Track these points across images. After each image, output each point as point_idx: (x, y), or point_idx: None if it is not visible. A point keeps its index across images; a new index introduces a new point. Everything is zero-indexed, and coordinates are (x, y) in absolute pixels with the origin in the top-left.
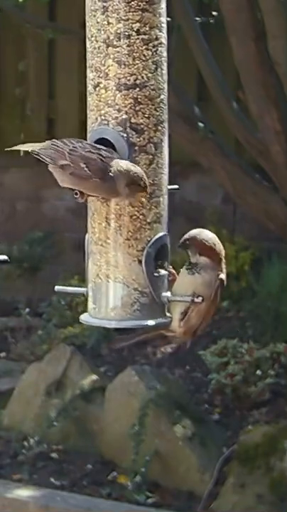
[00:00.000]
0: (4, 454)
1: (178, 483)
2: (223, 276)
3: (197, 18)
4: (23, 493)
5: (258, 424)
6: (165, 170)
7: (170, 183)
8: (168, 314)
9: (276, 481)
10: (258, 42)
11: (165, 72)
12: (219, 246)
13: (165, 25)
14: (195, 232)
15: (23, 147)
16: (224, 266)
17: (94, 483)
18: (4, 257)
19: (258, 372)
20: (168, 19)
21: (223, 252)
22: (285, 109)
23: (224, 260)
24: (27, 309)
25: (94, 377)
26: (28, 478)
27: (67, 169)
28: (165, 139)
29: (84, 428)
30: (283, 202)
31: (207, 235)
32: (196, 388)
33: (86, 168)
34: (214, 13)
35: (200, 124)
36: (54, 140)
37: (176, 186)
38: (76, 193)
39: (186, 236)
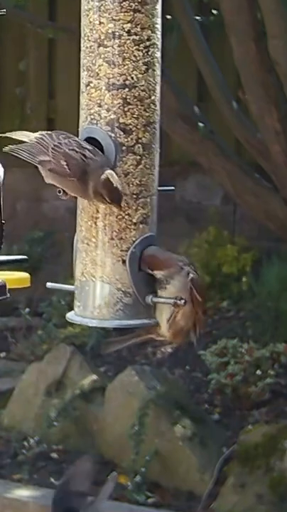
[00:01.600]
0: (4, 454)
1: (178, 483)
2: (192, 275)
3: (197, 18)
4: (23, 493)
5: (258, 424)
6: (154, 171)
7: (169, 183)
8: (152, 317)
9: (276, 481)
10: (258, 42)
11: (157, 73)
12: (166, 256)
13: (159, 27)
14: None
15: (15, 135)
16: (187, 267)
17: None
18: (24, 257)
19: (258, 372)
20: (168, 17)
21: (174, 258)
22: (285, 109)
23: (182, 262)
24: (27, 309)
25: (94, 377)
26: (28, 478)
27: (47, 165)
28: (156, 140)
29: (84, 428)
30: (283, 202)
31: (150, 249)
32: (196, 388)
33: (66, 166)
34: (214, 11)
35: (200, 124)
36: (42, 133)
37: (172, 188)
38: (59, 191)
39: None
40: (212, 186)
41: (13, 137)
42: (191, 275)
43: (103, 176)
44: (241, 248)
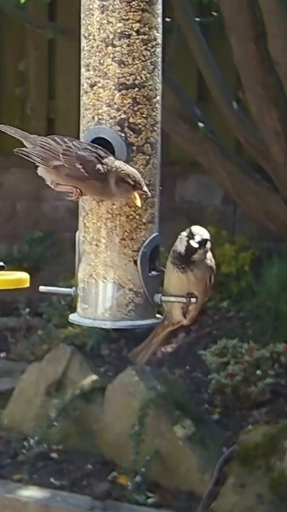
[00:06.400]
0: (4, 454)
1: (178, 483)
2: (213, 263)
3: (197, 18)
4: (23, 493)
5: (258, 424)
6: (159, 170)
7: (170, 183)
8: (158, 315)
9: (276, 481)
10: (258, 42)
11: (160, 72)
12: None
13: (161, 26)
14: (204, 230)
15: (3, 128)
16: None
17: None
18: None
19: (258, 372)
20: (168, 19)
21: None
22: (285, 109)
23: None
24: (27, 309)
25: (94, 377)
26: (28, 478)
27: (62, 170)
28: (159, 139)
29: (84, 428)
30: (283, 202)
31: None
32: (196, 388)
33: (82, 170)
34: (214, 13)
35: (200, 124)
36: (43, 138)
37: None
38: (72, 192)
39: (203, 237)
40: (212, 186)
41: (4, 130)
42: (211, 263)
43: (117, 165)
44: (240, 247)
